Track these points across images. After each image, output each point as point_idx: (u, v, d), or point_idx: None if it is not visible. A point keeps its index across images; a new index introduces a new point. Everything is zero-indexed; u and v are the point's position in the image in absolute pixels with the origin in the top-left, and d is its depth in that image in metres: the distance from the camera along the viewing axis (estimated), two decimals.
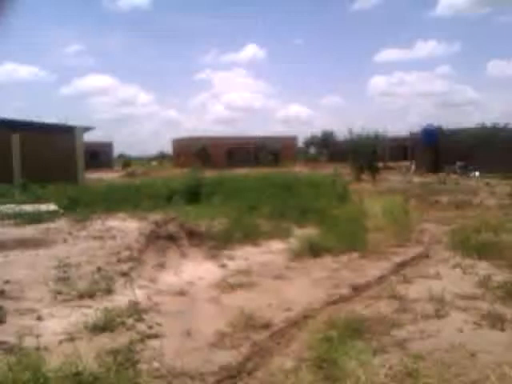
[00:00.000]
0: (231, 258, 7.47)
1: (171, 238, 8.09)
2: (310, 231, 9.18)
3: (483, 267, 6.73)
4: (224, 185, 15.90)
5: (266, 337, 4.31)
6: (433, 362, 3.70)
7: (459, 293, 5.51)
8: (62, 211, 11.91)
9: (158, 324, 4.57)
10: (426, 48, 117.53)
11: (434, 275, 6.38)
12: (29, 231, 9.35)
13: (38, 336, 4.22)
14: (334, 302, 5.34)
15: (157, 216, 10.03)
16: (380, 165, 28.66)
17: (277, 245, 8.46)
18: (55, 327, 4.51)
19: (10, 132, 19.71)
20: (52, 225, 10.04)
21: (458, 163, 29.29)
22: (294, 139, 58.70)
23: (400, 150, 45.07)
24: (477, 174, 26.97)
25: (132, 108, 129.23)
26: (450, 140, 31.22)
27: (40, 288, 5.70)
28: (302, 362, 3.73)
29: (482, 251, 7.42)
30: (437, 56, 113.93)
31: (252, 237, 8.82)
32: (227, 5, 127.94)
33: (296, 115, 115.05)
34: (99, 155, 55.09)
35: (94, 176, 28.50)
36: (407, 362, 3.65)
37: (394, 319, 4.68)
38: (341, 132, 57.51)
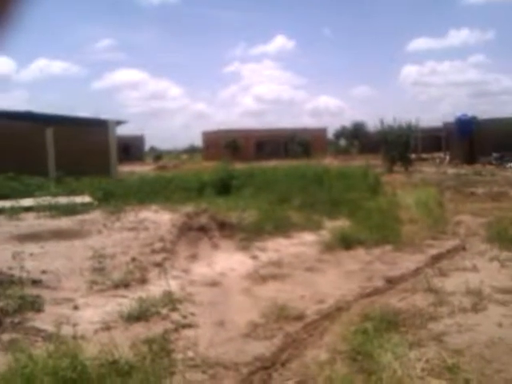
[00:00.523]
0: (262, 250, 7.46)
1: (203, 230, 8.14)
2: (341, 223, 9.09)
3: None
4: (254, 177, 15.89)
5: (299, 328, 4.29)
6: (471, 356, 3.60)
7: (497, 286, 5.35)
8: (96, 203, 12.13)
9: (192, 314, 4.60)
10: (458, 36, 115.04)
11: (471, 268, 6.21)
12: (64, 223, 9.56)
13: (74, 325, 4.29)
14: (368, 295, 5.27)
15: (188, 208, 10.10)
16: (413, 156, 28.15)
17: (308, 237, 8.40)
18: (91, 316, 4.59)
19: (45, 126, 20.14)
20: (87, 216, 10.24)
21: (494, 154, 28.51)
22: (323, 131, 58.21)
23: (433, 140, 44.07)
24: None
25: (162, 102, 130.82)
26: (485, 130, 30.35)
27: (76, 278, 5.82)
28: (336, 355, 3.69)
29: None
30: (470, 44, 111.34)
31: (283, 229, 8.79)
32: None
33: (325, 106, 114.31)
34: (131, 149, 55.84)
35: (126, 169, 28.92)
36: (445, 356, 3.57)
37: (430, 312, 4.58)
38: (372, 123, 56.74)
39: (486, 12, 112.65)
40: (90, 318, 4.53)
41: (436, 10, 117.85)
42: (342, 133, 67.94)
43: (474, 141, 31.15)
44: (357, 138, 60.97)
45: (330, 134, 64.22)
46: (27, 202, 12.27)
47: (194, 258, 6.88)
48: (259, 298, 5.19)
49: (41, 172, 17.50)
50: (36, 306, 4.78)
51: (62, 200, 12.03)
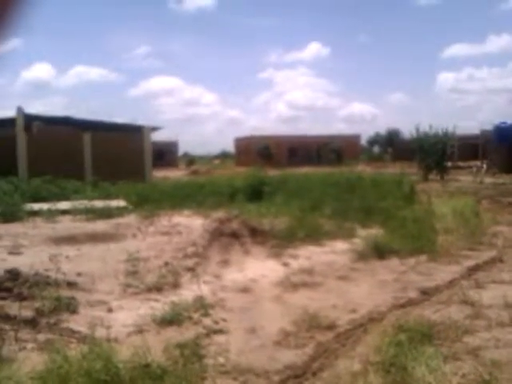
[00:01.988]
0: (294, 257, 7.43)
1: (234, 236, 8.16)
2: (374, 232, 8.97)
3: None
4: (286, 183, 15.88)
5: (330, 338, 4.24)
6: (509, 372, 3.49)
7: None
8: (131, 207, 12.35)
9: (224, 320, 4.61)
10: (498, 42, 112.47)
11: (509, 281, 6.02)
12: (100, 226, 9.76)
13: (108, 327, 4.37)
14: (402, 306, 5.17)
15: (220, 213, 10.16)
16: (449, 164, 27.56)
17: (340, 245, 8.32)
18: (124, 319, 4.66)
19: (82, 131, 20.67)
20: (122, 220, 10.44)
21: None
22: (357, 138, 57.69)
23: (470, 148, 43.06)
24: None
25: (196, 108, 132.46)
26: None
27: (110, 281, 5.93)
28: (368, 366, 3.63)
29: None
30: (510, 50, 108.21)
31: (315, 236, 8.72)
32: (291, 4, 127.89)
33: (359, 113, 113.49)
34: (165, 154, 56.59)
35: (159, 174, 29.34)
36: (482, 370, 3.47)
37: (466, 325, 4.45)
38: (406, 130, 55.98)
39: None
40: (123, 321, 4.60)
41: (474, 15, 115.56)
42: (375, 140, 67.29)
43: None
44: (391, 146, 60.17)
45: (364, 141, 63.66)
46: (64, 205, 12.59)
47: (225, 263, 6.91)
48: (290, 305, 5.17)
49: (77, 176, 17.95)
50: (71, 307, 4.88)
51: (98, 204, 12.29)
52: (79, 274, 6.08)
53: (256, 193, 14.33)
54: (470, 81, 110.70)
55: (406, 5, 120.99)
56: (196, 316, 4.66)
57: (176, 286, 5.69)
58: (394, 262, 7.14)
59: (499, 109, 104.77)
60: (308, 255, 7.60)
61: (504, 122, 31.99)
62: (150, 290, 5.52)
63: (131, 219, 10.53)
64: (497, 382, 3.28)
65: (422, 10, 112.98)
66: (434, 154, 25.31)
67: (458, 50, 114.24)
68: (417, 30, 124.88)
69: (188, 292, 5.46)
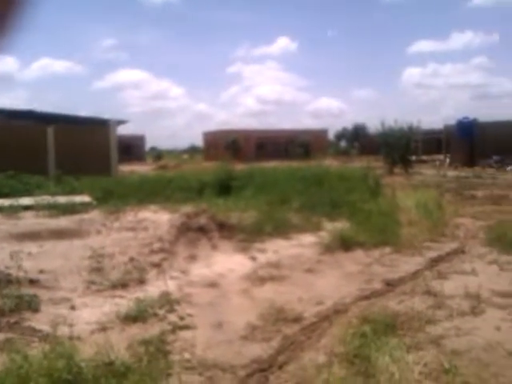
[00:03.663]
0: (262, 251, 7.44)
1: (202, 230, 8.12)
2: (341, 225, 9.06)
3: None
4: (254, 178, 15.85)
5: (297, 330, 4.27)
6: (469, 360, 3.59)
7: (496, 289, 5.33)
8: (95, 203, 12.11)
9: (190, 315, 4.58)
10: (462, 39, 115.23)
11: (470, 271, 6.19)
12: (63, 222, 9.54)
13: (71, 325, 4.28)
14: (367, 297, 5.25)
15: (188, 208, 10.08)
16: (413, 158, 28.13)
17: (307, 238, 8.38)
18: (88, 317, 4.57)
19: (46, 125, 20.14)
20: (86, 216, 10.23)
21: (495, 157, 28.49)
22: (324, 132, 58.19)
23: (434, 143, 44.01)
24: None
25: (164, 102, 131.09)
26: (485, 133, 30.33)
27: (74, 278, 5.81)
28: (333, 357, 3.68)
29: None
30: (473, 47, 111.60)
31: (282, 230, 8.76)
32: None
33: (327, 108, 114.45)
34: (132, 148, 55.79)
35: (126, 169, 28.90)
36: (443, 359, 3.55)
37: (428, 315, 4.56)
38: (373, 125, 56.76)
39: (490, 15, 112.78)
40: (86, 319, 4.51)
41: (438, 12, 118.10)
42: (342, 134, 68.08)
43: (474, 143, 31.13)
44: (357, 140, 60.98)
45: (331, 136, 64.29)
46: (26, 200, 12.26)
47: (192, 258, 6.86)
48: (257, 299, 5.17)
49: (41, 171, 17.48)
50: (33, 305, 4.77)
51: (62, 199, 12.01)
52: (42, 272, 5.94)
53: (224, 187, 14.26)
54: (434, 76, 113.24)
55: (374, 1, 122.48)
56: (161, 312, 4.62)
57: (141, 282, 5.62)
58: (359, 254, 7.25)
59: (462, 104, 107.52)
60: (275, 249, 7.63)
61: (466, 117, 32.88)
62: (114, 286, 5.44)
63: (96, 215, 10.33)
64: (456, 369, 3.37)
65: (389, 7, 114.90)
66: (399, 148, 25.79)
67: (423, 46, 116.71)
68: (384, 26, 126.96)
69: (154, 288, 5.40)
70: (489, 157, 28.83)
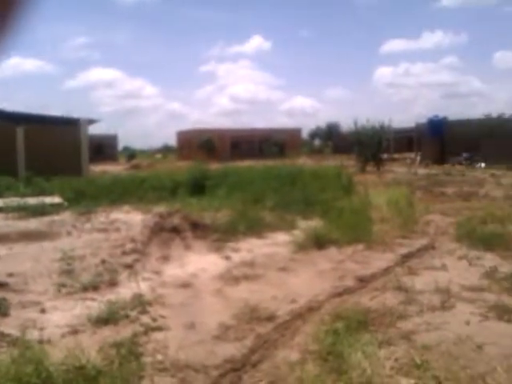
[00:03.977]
0: (235, 250, 7.44)
1: (175, 231, 8.06)
2: (314, 223, 9.12)
3: (489, 258, 6.67)
4: (228, 177, 15.83)
5: (270, 329, 4.28)
6: (439, 354, 3.65)
7: (465, 284, 5.45)
8: (66, 204, 11.91)
9: (162, 316, 4.54)
10: (432, 39, 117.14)
11: (440, 267, 6.32)
12: (33, 224, 9.35)
13: (41, 329, 4.21)
14: (340, 294, 5.30)
15: (161, 208, 10.01)
16: (385, 156, 28.51)
17: (281, 237, 8.41)
18: (59, 320, 4.49)
19: (15, 125, 19.69)
20: (56, 217, 10.04)
21: (464, 154, 29.11)
22: (298, 131, 58.46)
23: (405, 141, 44.72)
24: (482, 165, 26.81)
25: (137, 101, 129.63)
26: (455, 131, 30.99)
27: (44, 281, 5.70)
28: (307, 355, 3.70)
29: (489, 242, 7.35)
30: (443, 47, 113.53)
31: (256, 229, 8.78)
32: None
33: (301, 107, 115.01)
34: (104, 148, 55.05)
35: (98, 169, 28.52)
36: (413, 354, 3.61)
37: (399, 311, 4.63)
38: (346, 124, 57.34)
39: (459, 15, 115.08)
40: (57, 322, 4.43)
41: (410, 12, 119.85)
42: (316, 133, 68.51)
43: (444, 141, 31.77)
44: (331, 139, 61.47)
45: (305, 135, 64.65)
46: None
47: (165, 259, 6.80)
48: (231, 299, 5.17)
49: (10, 172, 17.06)
50: (1, 309, 4.67)
51: (31, 201, 11.77)
52: (11, 275, 5.81)
53: (198, 187, 14.22)
54: (405, 76, 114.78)
55: (346, 1, 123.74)
56: (134, 314, 4.57)
57: (113, 284, 5.55)
58: (332, 252, 7.30)
59: (433, 103, 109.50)
60: (249, 248, 7.63)
61: (436, 116, 33.54)
62: (85, 289, 5.35)
63: (67, 216, 10.16)
64: (427, 364, 3.43)
65: (361, 6, 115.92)
66: (371, 146, 26.10)
67: (394, 45, 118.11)
68: (356, 25, 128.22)
69: (126, 290, 5.33)
70: (458, 154, 29.45)
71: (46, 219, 9.77)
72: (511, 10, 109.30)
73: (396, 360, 3.53)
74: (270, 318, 4.53)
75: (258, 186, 13.41)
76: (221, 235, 8.15)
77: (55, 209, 11.09)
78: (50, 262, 6.37)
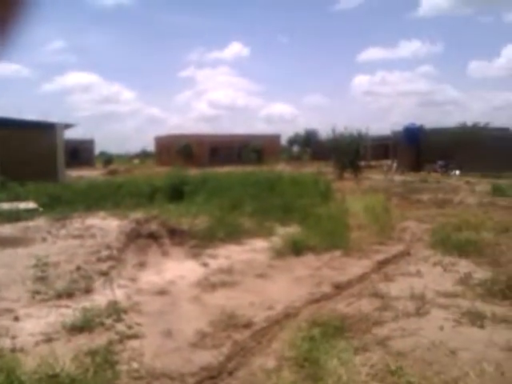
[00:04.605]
0: (213, 257, 7.41)
1: (152, 237, 8.01)
2: (292, 230, 9.17)
3: (464, 265, 6.79)
4: (207, 183, 15.79)
5: (247, 336, 4.28)
6: (414, 359, 3.70)
7: (440, 290, 5.54)
8: (41, 209, 11.71)
9: (138, 324, 4.50)
10: (408, 48, 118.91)
11: (415, 273, 6.41)
12: (7, 230, 9.15)
13: (14, 337, 4.14)
14: (316, 301, 5.33)
15: (138, 214, 9.92)
16: (362, 163, 28.78)
17: (260, 243, 8.42)
18: (32, 328, 4.41)
19: None
20: (31, 223, 9.86)
21: (439, 162, 29.59)
22: (277, 137, 58.68)
23: (382, 148, 45.29)
24: (457, 172, 27.29)
25: (115, 105, 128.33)
26: (431, 139, 31.48)
27: (17, 288, 5.59)
28: (283, 362, 3.71)
29: (463, 249, 7.50)
30: (419, 56, 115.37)
31: (235, 235, 8.77)
32: (212, 3, 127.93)
33: (279, 113, 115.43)
34: (80, 153, 54.33)
35: (74, 174, 28.12)
36: (388, 360, 3.65)
37: (375, 317, 4.68)
38: (324, 131, 57.82)
39: (435, 25, 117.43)
40: (30, 330, 4.35)
41: (387, 21, 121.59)
42: (295, 140, 68.75)
43: (420, 149, 32.24)
44: (309, 145, 61.83)
45: (284, 141, 64.88)
46: None
47: (142, 266, 6.74)
48: (208, 306, 5.15)
49: None
50: None
51: (6, 206, 11.53)
52: None
53: (176, 192, 14.13)
54: (383, 84, 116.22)
55: (324, 9, 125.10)
56: (109, 322, 4.51)
57: (88, 291, 5.48)
58: (309, 259, 7.34)
59: (409, 111, 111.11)
60: (227, 254, 7.62)
61: (412, 124, 34.04)
62: (60, 296, 5.27)
63: (41, 222, 9.98)
64: (401, 370, 3.47)
65: (339, 15, 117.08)
66: (349, 153, 26.32)
67: (372, 53, 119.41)
68: (334, 33, 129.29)
69: (101, 297, 5.27)
70: (434, 162, 29.92)
71: (21, 225, 9.59)
72: (486, 20, 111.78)
73: (371, 366, 3.57)
74: (247, 324, 4.53)
75: (237, 192, 13.40)
76: (199, 242, 8.12)
77: (30, 214, 10.89)
78: (24, 269, 6.26)
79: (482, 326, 4.43)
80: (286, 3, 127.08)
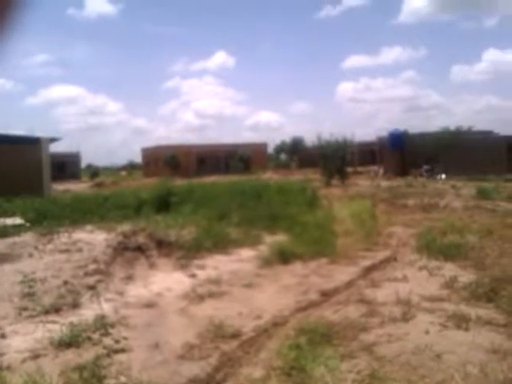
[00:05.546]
0: (201, 268, 7.42)
1: (140, 249, 8.00)
2: (280, 238, 9.21)
3: (449, 269, 6.86)
4: (194, 193, 15.80)
5: (235, 346, 4.29)
6: (399, 364, 3.75)
7: (426, 295, 5.60)
8: (28, 225, 11.64)
9: (125, 338, 4.49)
10: (391, 54, 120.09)
11: (401, 278, 6.46)
12: None
13: (0, 354, 4.10)
14: (304, 309, 5.36)
15: (125, 227, 9.91)
16: (349, 170, 28.97)
17: (247, 252, 8.44)
18: (19, 345, 4.39)
19: None
20: (17, 239, 9.78)
21: (425, 166, 29.88)
22: (264, 146, 58.87)
23: (368, 154, 45.71)
24: (443, 176, 27.56)
25: (100, 117, 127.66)
26: (415, 144, 31.79)
27: (4, 304, 5.56)
28: (271, 371, 3.73)
29: (448, 253, 7.58)
30: (402, 62, 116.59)
31: (222, 245, 8.79)
32: (196, 13, 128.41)
33: (266, 122, 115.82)
34: (66, 166, 54.03)
35: (60, 187, 27.95)
36: (374, 366, 3.69)
37: (361, 323, 4.72)
38: (310, 138, 58.04)
39: (416, 31, 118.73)
40: (17, 347, 4.33)
41: (369, 29, 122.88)
42: (281, 148, 69.00)
43: (405, 154, 32.54)
44: (296, 153, 62.09)
45: (271, 149, 65.10)
46: None
47: (129, 279, 6.73)
48: (196, 317, 5.15)
49: None
50: None
51: None
52: None
53: (163, 204, 14.12)
54: (366, 90, 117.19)
55: (307, 17, 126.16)
56: (96, 336, 4.50)
57: (75, 305, 5.45)
58: (297, 267, 7.38)
59: (394, 117, 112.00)
60: (215, 265, 7.63)
61: (397, 129, 34.39)
62: (47, 311, 5.24)
63: (28, 237, 9.91)
64: (387, 374, 3.51)
65: (322, 23, 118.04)
66: (335, 160, 26.48)
67: (356, 61, 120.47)
68: (318, 41, 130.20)
69: (88, 311, 5.25)
70: (419, 166, 30.21)
71: (7, 241, 9.52)
72: (467, 25, 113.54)
73: (358, 372, 3.61)
74: (235, 335, 4.54)
75: (224, 202, 13.44)
76: (186, 252, 8.13)
77: (16, 230, 10.82)
78: (11, 285, 6.22)
79: (466, 329, 4.49)
80: (269, 11, 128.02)
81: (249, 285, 6.45)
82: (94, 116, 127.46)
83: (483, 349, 4.01)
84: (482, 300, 5.33)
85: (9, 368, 3.85)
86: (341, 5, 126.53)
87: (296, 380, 3.52)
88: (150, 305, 5.60)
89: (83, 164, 66.09)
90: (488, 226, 9.90)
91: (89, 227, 10.97)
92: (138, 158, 66.72)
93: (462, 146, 28.42)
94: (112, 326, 4.78)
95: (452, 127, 33.41)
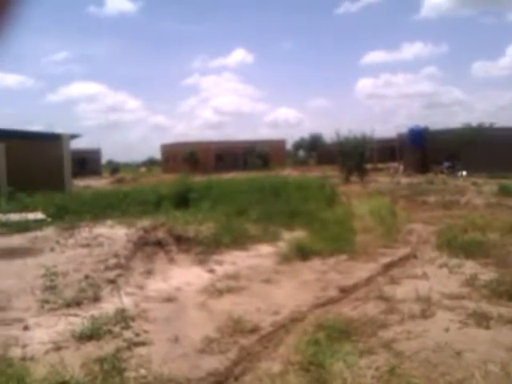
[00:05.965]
0: (219, 263, 7.46)
1: (159, 244, 8.07)
2: (298, 234, 9.20)
3: (470, 266, 6.79)
4: (212, 189, 15.87)
5: (253, 341, 4.31)
6: (419, 361, 3.72)
7: (446, 292, 5.55)
8: (49, 219, 11.82)
9: (146, 331, 4.54)
10: (412, 50, 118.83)
11: (421, 275, 6.41)
12: (16, 240, 9.25)
13: (24, 346, 4.19)
14: (322, 305, 5.36)
15: (145, 222, 9.99)
16: (368, 166, 28.76)
17: (265, 248, 8.46)
18: (42, 337, 4.47)
19: None
20: (39, 233, 9.95)
21: (445, 163, 29.52)
22: (282, 142, 58.84)
23: (388, 151, 45.30)
24: (464, 173, 27.19)
25: (120, 114, 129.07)
26: (436, 140, 31.42)
27: (27, 297, 5.66)
28: (289, 366, 3.74)
29: (469, 250, 7.49)
30: (423, 58, 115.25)
31: (240, 241, 8.81)
32: (215, 10, 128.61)
33: (284, 118, 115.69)
34: (87, 162, 54.77)
35: (81, 183, 28.35)
36: (394, 362, 3.67)
37: (381, 320, 4.70)
38: (329, 135, 57.78)
39: (438, 26, 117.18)
40: (40, 339, 4.41)
41: (390, 24, 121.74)
42: (300, 144, 68.87)
43: (426, 151, 32.18)
44: (314, 150, 61.86)
45: (289, 146, 64.99)
46: None
47: (149, 273, 6.80)
48: (215, 312, 5.19)
49: None
50: None
51: (14, 217, 11.65)
52: None
53: (182, 200, 14.21)
54: (386, 86, 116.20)
55: (327, 13, 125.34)
56: (117, 329, 4.56)
57: (96, 299, 5.53)
58: (315, 263, 7.37)
59: (414, 113, 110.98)
60: (233, 260, 7.66)
61: (417, 126, 34.00)
62: (68, 305, 5.33)
63: (49, 232, 10.07)
64: (406, 371, 3.49)
65: (342, 18, 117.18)
66: (354, 157, 26.31)
67: (375, 57, 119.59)
68: (337, 37, 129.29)
69: (109, 305, 5.32)
70: (440, 163, 29.85)
71: (29, 235, 9.68)
72: (488, 20, 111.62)
73: (377, 369, 3.59)
74: (254, 330, 4.56)
75: (242, 198, 13.47)
76: (205, 248, 8.17)
77: (38, 225, 11.00)
78: (33, 279, 6.33)
79: (487, 327, 4.44)
80: (288, 8, 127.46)
81: (267, 280, 6.46)
82: (115, 113, 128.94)
83: (504, 347, 3.95)
84: (503, 298, 5.26)
85: (32, 359, 3.92)
86: (360, 1, 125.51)
87: (314, 375, 3.52)
88: (169, 299, 5.65)
89: (104, 160, 66.94)
90: (510, 224, 9.74)
91: (109, 222, 11.10)
92: (157, 155, 67.43)
93: (484, 143, 27.99)
94: (132, 319, 4.84)
95: (474, 124, 32.94)
